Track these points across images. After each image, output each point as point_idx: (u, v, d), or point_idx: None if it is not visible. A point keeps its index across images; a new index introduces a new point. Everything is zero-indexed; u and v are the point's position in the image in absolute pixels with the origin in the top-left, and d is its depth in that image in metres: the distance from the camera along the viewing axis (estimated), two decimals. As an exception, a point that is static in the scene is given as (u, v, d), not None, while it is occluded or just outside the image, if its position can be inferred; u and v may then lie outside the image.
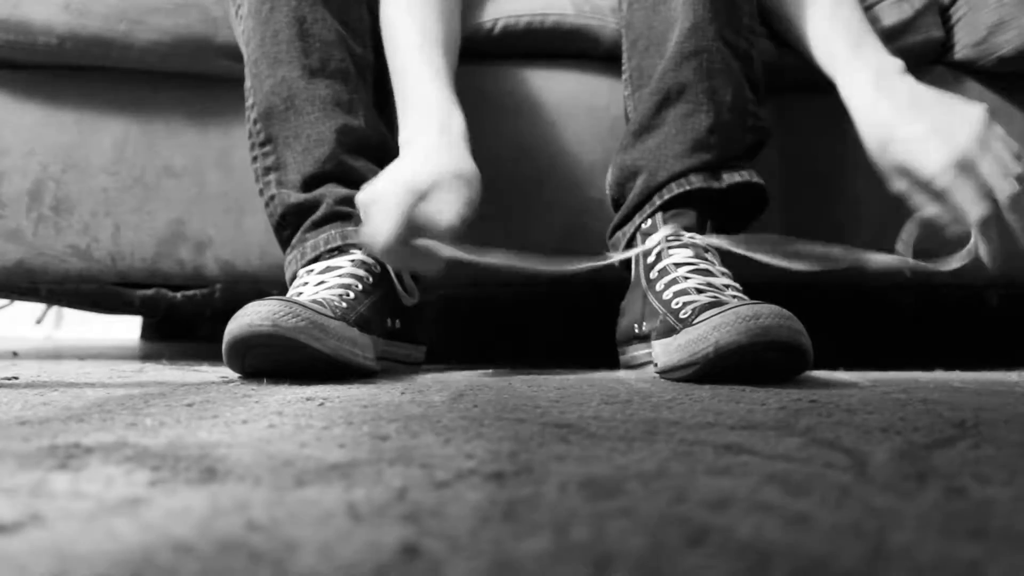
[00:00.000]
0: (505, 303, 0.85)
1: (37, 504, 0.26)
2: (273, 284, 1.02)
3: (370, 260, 0.80)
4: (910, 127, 0.77)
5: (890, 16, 0.97)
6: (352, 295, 0.76)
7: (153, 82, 1.03)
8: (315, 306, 0.67)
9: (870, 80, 0.81)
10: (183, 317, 1.84)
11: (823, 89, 1.01)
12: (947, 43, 0.99)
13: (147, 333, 2.03)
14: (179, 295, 1.05)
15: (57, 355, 1.17)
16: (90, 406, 0.49)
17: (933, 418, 0.45)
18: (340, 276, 0.77)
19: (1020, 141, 0.98)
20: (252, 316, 0.64)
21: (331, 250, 0.81)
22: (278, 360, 0.66)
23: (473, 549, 0.21)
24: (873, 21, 0.96)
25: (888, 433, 0.40)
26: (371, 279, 0.79)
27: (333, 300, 0.73)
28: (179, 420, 0.43)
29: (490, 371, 0.81)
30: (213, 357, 0.69)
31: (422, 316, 0.88)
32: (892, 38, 0.97)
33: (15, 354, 1.15)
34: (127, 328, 2.13)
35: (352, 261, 0.79)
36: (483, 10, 0.99)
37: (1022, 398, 0.58)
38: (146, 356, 1.20)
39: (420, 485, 0.28)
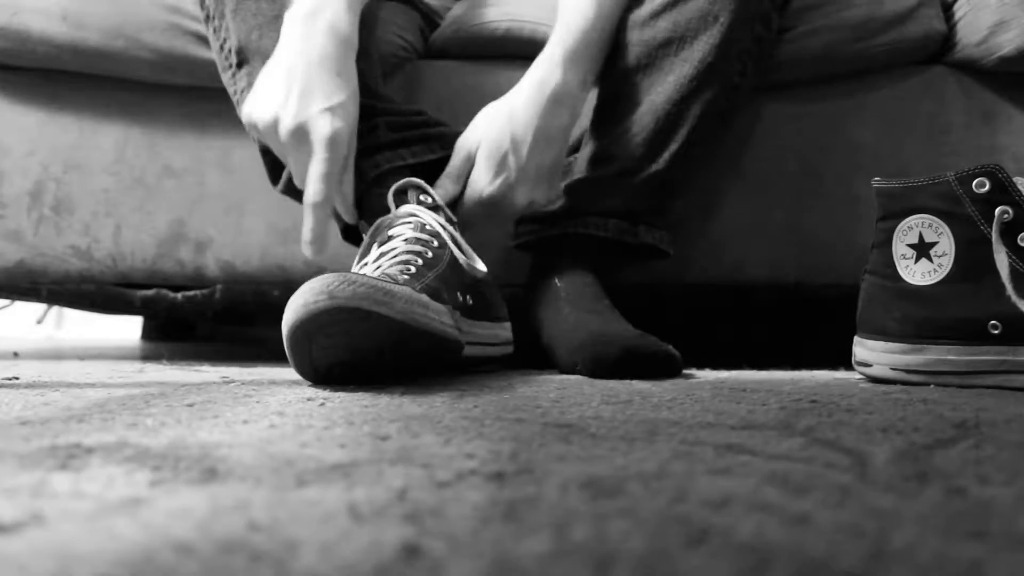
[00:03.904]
0: (505, 303, 0.85)
1: (38, 504, 0.26)
2: (274, 285, 1.02)
3: (424, 236, 0.75)
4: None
5: (891, 3, 0.96)
6: (414, 269, 0.70)
7: (154, 83, 1.03)
8: (374, 276, 0.60)
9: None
10: (184, 318, 1.84)
11: (825, 80, 1.00)
12: (948, 41, 0.99)
13: (148, 333, 2.03)
14: (180, 295, 1.05)
15: (58, 355, 1.17)
16: (91, 406, 0.49)
17: (934, 418, 0.45)
18: (396, 256, 0.72)
19: (1020, 140, 0.98)
20: (306, 295, 0.57)
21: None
22: (349, 343, 0.58)
23: (474, 549, 0.21)
24: (874, 8, 0.96)
25: (889, 433, 0.40)
26: (430, 253, 0.73)
27: (395, 275, 0.67)
28: (180, 420, 0.43)
29: (490, 371, 0.81)
30: (213, 357, 0.68)
31: (497, 292, 0.83)
32: (891, 27, 0.96)
33: (16, 354, 1.15)
34: (128, 328, 2.14)
35: (405, 240, 0.74)
36: (489, 11, 1.00)
37: (1022, 398, 0.58)
38: (147, 356, 1.20)
39: (421, 485, 0.28)
